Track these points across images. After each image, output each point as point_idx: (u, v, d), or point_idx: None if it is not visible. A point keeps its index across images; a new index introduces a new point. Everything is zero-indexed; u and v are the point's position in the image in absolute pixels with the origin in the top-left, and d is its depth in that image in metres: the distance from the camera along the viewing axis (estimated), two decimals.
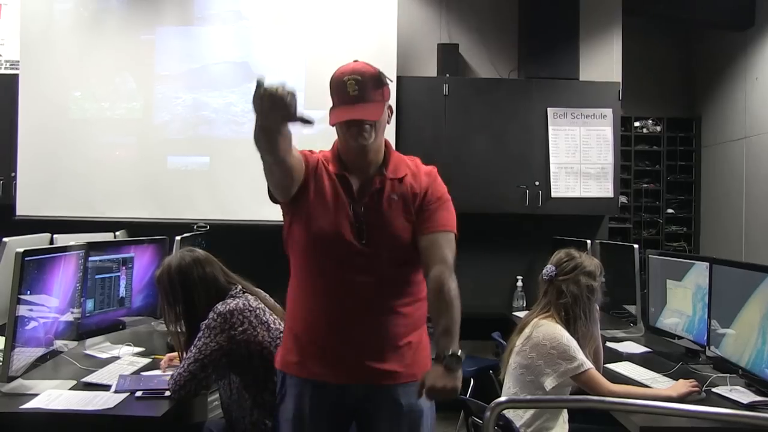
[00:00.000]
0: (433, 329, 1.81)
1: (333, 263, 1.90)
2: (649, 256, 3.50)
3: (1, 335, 2.51)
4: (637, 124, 6.88)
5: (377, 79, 1.90)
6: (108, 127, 4.71)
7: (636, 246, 3.72)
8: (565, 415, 2.48)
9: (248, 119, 4.55)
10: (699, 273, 2.97)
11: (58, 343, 2.63)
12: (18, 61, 4.76)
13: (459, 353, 1.72)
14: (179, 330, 2.39)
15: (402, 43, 4.76)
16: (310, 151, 2.02)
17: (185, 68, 4.73)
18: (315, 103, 4.59)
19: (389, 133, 2.09)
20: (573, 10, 4.82)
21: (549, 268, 2.52)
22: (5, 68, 4.93)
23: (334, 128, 1.95)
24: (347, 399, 1.94)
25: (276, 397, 2.06)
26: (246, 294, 2.40)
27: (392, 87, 2.01)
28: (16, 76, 4.70)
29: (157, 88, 4.73)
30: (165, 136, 4.72)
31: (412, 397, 1.93)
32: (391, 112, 2.00)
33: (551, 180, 4.75)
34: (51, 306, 2.52)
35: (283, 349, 2.02)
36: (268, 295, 2.49)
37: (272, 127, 1.66)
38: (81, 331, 2.87)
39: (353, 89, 1.86)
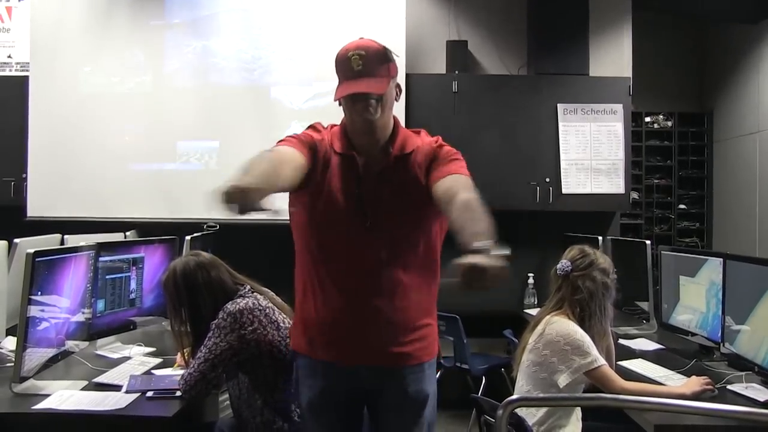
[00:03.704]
0: (461, 238, 1.53)
1: (338, 246, 1.89)
2: (662, 252, 3.47)
3: (13, 336, 2.52)
4: (647, 119, 6.82)
5: (382, 54, 1.87)
6: (118, 112, 4.72)
7: (648, 242, 3.68)
8: (578, 413, 2.46)
9: (258, 66, 4.74)
10: (712, 269, 2.93)
11: (70, 344, 2.64)
12: (28, 63, 4.79)
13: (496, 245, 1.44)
14: (184, 331, 2.39)
15: (411, 41, 4.75)
16: (321, 127, 1.99)
17: (195, 16, 4.74)
18: (326, 100, 4.74)
19: None
20: (582, 5, 4.79)
21: (564, 264, 2.50)
22: (16, 70, 4.96)
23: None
24: (358, 383, 1.93)
25: (287, 393, 2.06)
26: (255, 293, 2.39)
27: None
28: (26, 77, 4.72)
29: (168, 36, 4.74)
30: (176, 84, 4.73)
31: (419, 383, 1.94)
32: (400, 90, 1.96)
33: (562, 176, 4.72)
34: (62, 306, 2.53)
35: (295, 333, 2.02)
36: (275, 295, 2.49)
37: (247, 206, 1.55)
38: (92, 331, 2.88)
39: (357, 64, 1.83)
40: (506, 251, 1.44)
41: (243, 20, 4.73)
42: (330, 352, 1.92)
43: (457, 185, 1.78)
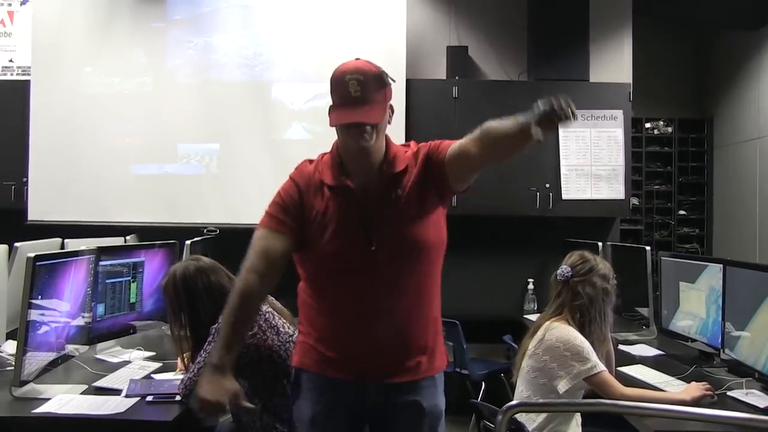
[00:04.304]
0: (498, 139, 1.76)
1: (346, 271, 1.88)
2: (662, 258, 3.47)
3: (13, 340, 2.52)
4: (648, 125, 6.84)
5: (380, 79, 1.85)
6: (119, 115, 4.73)
7: (648, 248, 3.68)
8: (578, 418, 2.46)
9: (259, 62, 4.70)
10: (712, 275, 2.93)
11: (70, 348, 2.64)
12: (29, 67, 4.80)
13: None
14: (183, 335, 2.39)
15: (411, 46, 4.75)
16: (308, 164, 1.98)
17: (196, 12, 4.76)
18: (326, 101, 4.73)
19: (399, 135, 2.06)
20: (582, 12, 4.79)
21: (564, 269, 2.50)
22: (17, 74, 4.97)
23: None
24: (365, 401, 1.92)
25: (288, 398, 2.05)
26: None
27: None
28: (27, 82, 4.73)
29: (169, 33, 4.76)
30: (177, 81, 4.74)
31: (433, 398, 1.94)
32: (392, 112, 1.95)
33: (562, 182, 4.72)
34: (62, 310, 2.53)
35: (300, 351, 1.99)
36: (275, 299, 2.49)
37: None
38: (92, 335, 2.88)
39: (355, 90, 1.82)
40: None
41: (244, 16, 4.75)
42: (336, 369, 1.91)
43: (461, 139, 1.84)
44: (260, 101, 4.70)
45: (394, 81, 1.91)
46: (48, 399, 2.27)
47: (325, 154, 1.99)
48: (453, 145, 1.87)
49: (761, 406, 2.34)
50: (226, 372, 1.78)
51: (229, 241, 4.24)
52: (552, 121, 1.65)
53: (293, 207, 1.91)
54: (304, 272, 1.96)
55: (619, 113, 4.77)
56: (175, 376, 2.54)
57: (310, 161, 1.99)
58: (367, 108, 1.83)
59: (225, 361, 1.79)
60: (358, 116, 1.82)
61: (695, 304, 3.09)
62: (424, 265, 1.92)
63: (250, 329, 1.86)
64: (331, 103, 1.90)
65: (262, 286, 1.85)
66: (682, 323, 3.22)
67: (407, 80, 4.56)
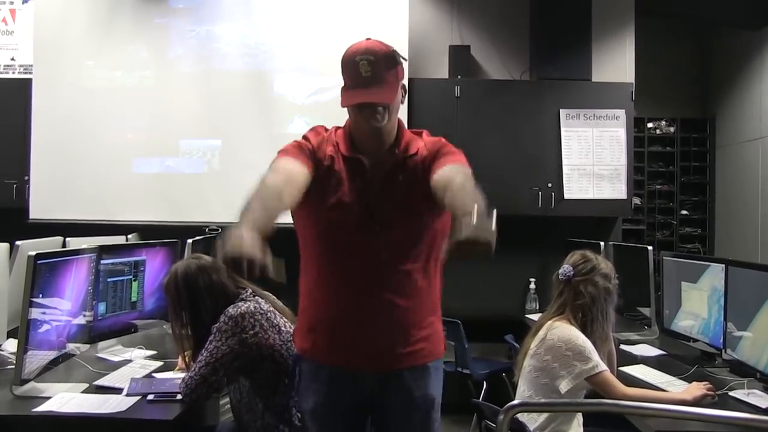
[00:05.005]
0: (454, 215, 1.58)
1: (347, 247, 1.87)
2: (664, 257, 3.46)
3: (14, 338, 2.52)
4: (650, 125, 6.82)
5: (391, 59, 1.85)
6: (120, 112, 4.73)
7: (650, 247, 3.67)
8: (579, 418, 2.46)
9: (261, 51, 4.69)
10: (714, 275, 2.93)
11: (71, 346, 2.64)
12: (31, 65, 4.80)
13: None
14: (185, 334, 2.39)
15: (413, 45, 4.75)
16: (323, 129, 1.97)
17: (198, 1, 4.77)
18: (328, 95, 4.76)
19: None
20: (585, 11, 4.79)
21: (566, 268, 2.50)
22: (19, 73, 4.97)
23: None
24: (362, 389, 1.92)
25: (290, 390, 2.05)
26: (256, 297, 2.39)
27: (405, 67, 1.95)
28: (29, 80, 4.73)
29: (171, 23, 4.76)
30: (179, 71, 4.74)
31: (425, 387, 1.93)
32: (405, 92, 1.94)
33: (564, 181, 4.72)
34: (63, 309, 2.53)
35: (299, 335, 2.00)
36: (276, 299, 2.49)
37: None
38: (93, 334, 2.88)
39: (366, 70, 1.81)
40: (493, 220, 1.48)
41: (246, 5, 4.75)
42: (334, 356, 1.91)
43: (453, 171, 1.77)
44: (262, 93, 4.70)
45: (405, 59, 1.90)
46: (49, 398, 2.28)
47: (338, 128, 1.98)
48: (442, 171, 1.79)
49: (762, 406, 2.33)
50: (257, 233, 1.51)
51: None
52: (466, 253, 1.46)
53: (308, 152, 1.89)
54: (305, 241, 1.94)
55: (621, 113, 4.77)
56: (176, 375, 2.54)
57: (325, 129, 1.99)
58: (378, 88, 1.82)
59: (258, 225, 1.53)
60: (370, 96, 1.82)
61: (697, 304, 3.09)
62: (425, 252, 1.91)
63: (274, 217, 1.58)
64: (336, 88, 1.89)
65: (283, 188, 1.70)
66: (683, 323, 3.22)
67: (409, 79, 4.55)
